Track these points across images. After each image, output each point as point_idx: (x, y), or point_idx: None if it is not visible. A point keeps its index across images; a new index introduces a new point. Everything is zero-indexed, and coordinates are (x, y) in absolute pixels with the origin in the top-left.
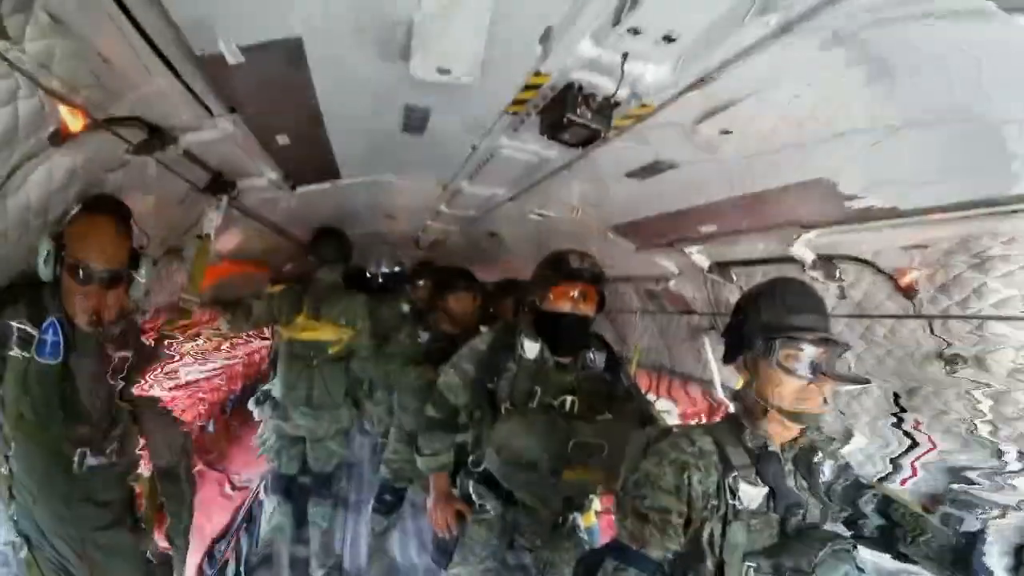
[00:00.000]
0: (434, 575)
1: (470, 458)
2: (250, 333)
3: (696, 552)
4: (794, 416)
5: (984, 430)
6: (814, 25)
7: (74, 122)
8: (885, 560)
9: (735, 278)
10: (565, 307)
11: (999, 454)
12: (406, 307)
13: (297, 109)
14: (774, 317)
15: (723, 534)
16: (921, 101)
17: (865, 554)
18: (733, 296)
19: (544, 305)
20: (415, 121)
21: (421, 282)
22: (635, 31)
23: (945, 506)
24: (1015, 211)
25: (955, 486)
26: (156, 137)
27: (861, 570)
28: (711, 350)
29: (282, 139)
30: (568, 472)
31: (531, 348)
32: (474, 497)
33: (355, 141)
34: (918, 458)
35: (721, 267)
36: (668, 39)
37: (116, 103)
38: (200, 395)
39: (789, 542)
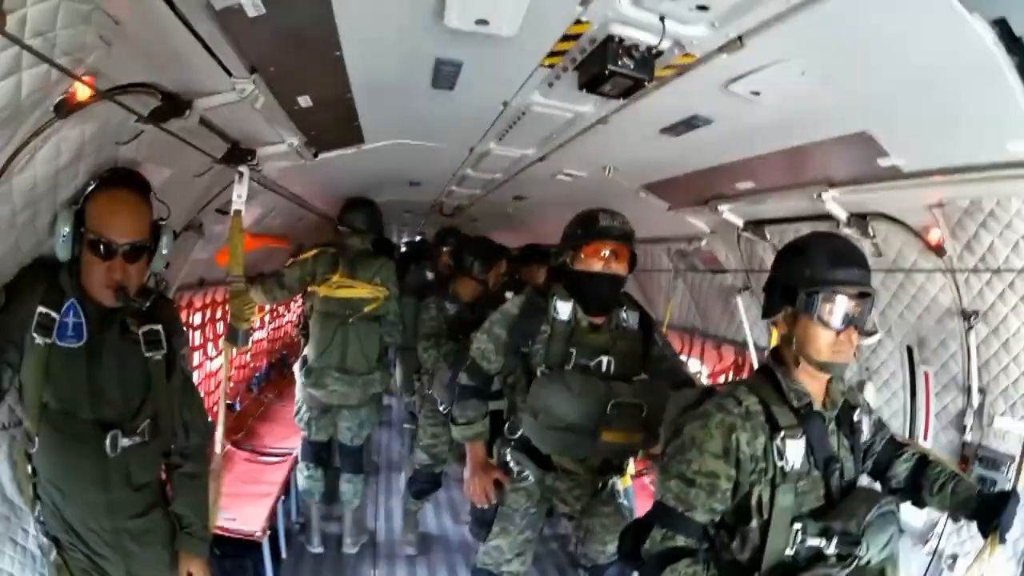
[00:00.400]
0: (466, 546)
1: (506, 425)
2: (280, 305)
3: (743, 514)
4: (824, 366)
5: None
6: None
7: (82, 91)
8: (912, 518)
9: (768, 236)
10: (596, 266)
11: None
12: (430, 275)
13: (322, 66)
14: (818, 271)
15: (771, 497)
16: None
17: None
18: (767, 255)
19: (575, 265)
20: (445, 76)
21: (445, 248)
22: None
23: (975, 466)
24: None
25: (968, 438)
26: (170, 104)
27: (902, 531)
28: (744, 310)
29: (304, 101)
30: (607, 433)
31: (564, 309)
32: (512, 464)
33: (381, 100)
34: (929, 410)
35: (755, 225)
36: (701, 7)
37: (127, 69)
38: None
39: (836, 504)
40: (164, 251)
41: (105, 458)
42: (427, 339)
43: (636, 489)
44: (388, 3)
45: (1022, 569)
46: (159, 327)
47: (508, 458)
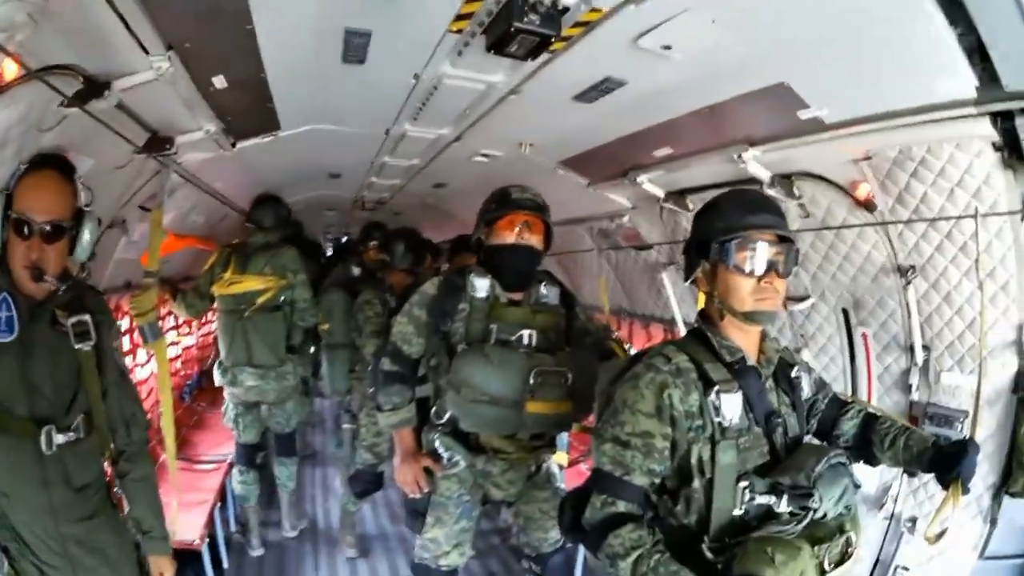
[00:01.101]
0: (407, 543)
1: (432, 410)
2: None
3: (684, 476)
4: (750, 316)
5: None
6: None
7: (9, 70)
8: (865, 484)
9: (691, 206)
10: (510, 239)
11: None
12: (356, 270)
13: (235, 41)
14: (729, 219)
15: (712, 455)
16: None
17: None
18: (690, 226)
19: (490, 240)
20: (355, 48)
21: (372, 243)
22: None
23: (926, 424)
24: (951, 118)
25: (916, 397)
26: (90, 86)
27: (858, 486)
28: (671, 285)
29: (219, 81)
30: (533, 404)
31: (481, 285)
32: (441, 450)
33: (294, 79)
34: (871, 372)
35: (676, 196)
36: None
37: (50, 50)
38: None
39: (782, 459)
40: (87, 236)
41: (42, 457)
42: (376, 336)
43: (572, 476)
44: None
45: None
46: (87, 317)
47: (437, 444)
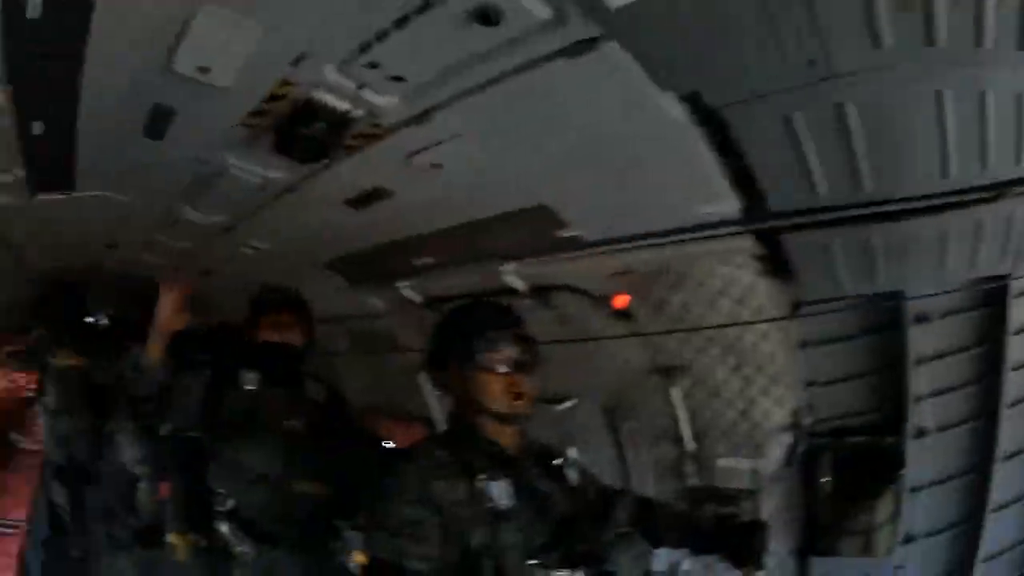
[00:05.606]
0: None
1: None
2: None
3: (470, 560)
4: (505, 417)
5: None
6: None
7: None
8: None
9: None
10: (273, 336)
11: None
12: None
13: (63, 91)
14: (470, 323)
15: (495, 538)
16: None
17: None
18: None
19: (256, 338)
20: (157, 124)
21: None
22: (372, 65)
23: (709, 506)
24: (699, 237)
25: (694, 482)
26: None
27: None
28: (430, 388)
29: (37, 127)
30: (299, 483)
31: (250, 379)
32: (229, 538)
33: (100, 141)
34: (642, 463)
35: (436, 303)
36: (397, 79)
37: None
38: None
39: (569, 532)
40: None
41: None
42: None
43: None
44: (136, 32)
45: None
46: None
47: (225, 531)
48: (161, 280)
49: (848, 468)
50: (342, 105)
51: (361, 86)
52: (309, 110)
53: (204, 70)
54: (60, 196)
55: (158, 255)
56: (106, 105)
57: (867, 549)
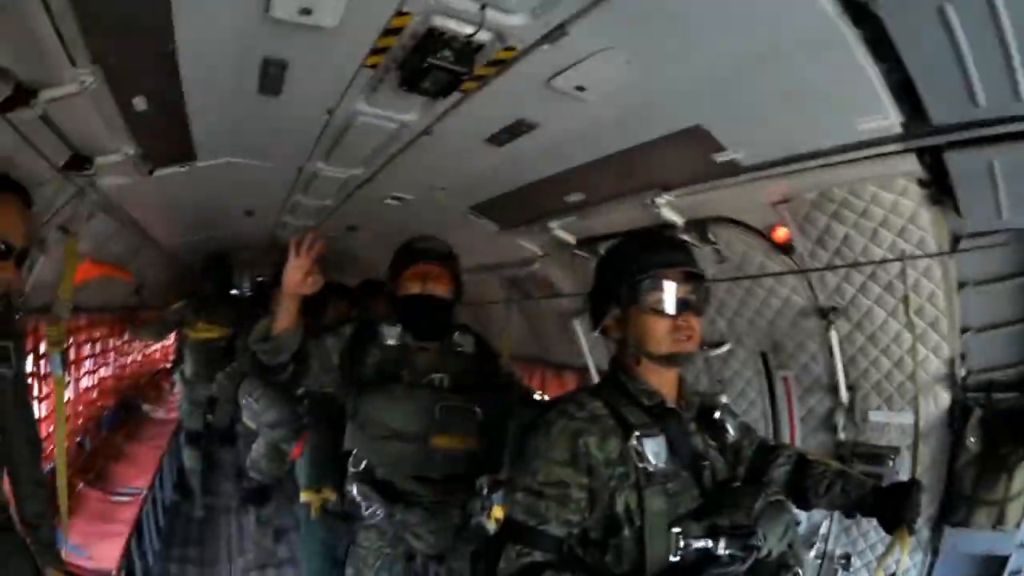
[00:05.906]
0: None
1: (350, 459)
2: (127, 343)
3: (611, 526)
4: (670, 358)
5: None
6: None
7: None
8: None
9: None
10: (416, 289)
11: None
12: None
13: (157, 63)
14: (637, 260)
15: (640, 502)
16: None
17: None
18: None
19: (398, 292)
20: (272, 79)
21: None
22: None
23: (854, 463)
24: (874, 156)
25: (842, 437)
26: (18, 93)
27: (798, 522)
28: (582, 334)
29: (140, 103)
30: (438, 438)
31: (391, 333)
32: (359, 499)
33: (212, 107)
34: (793, 415)
35: (588, 243)
36: None
37: None
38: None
39: (716, 501)
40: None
41: None
42: None
43: None
44: None
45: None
46: (10, 344)
47: (354, 493)
48: (289, 240)
49: (997, 429)
50: (466, 29)
51: (484, 6)
52: (431, 40)
53: (306, 11)
54: (181, 169)
55: (299, 217)
56: (209, 67)
57: (999, 521)
